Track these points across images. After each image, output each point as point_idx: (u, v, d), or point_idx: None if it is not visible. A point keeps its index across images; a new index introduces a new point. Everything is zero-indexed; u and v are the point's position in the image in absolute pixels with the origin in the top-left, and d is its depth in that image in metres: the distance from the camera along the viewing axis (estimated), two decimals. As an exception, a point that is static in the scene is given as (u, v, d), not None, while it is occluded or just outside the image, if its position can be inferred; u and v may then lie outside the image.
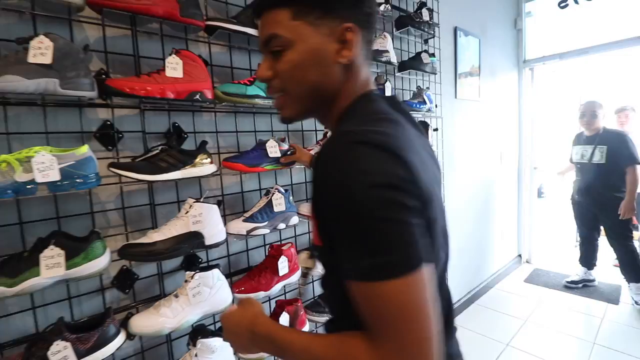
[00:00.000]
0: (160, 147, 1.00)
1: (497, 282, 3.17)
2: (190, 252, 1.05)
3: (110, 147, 1.03)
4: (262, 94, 1.19)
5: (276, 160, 1.22)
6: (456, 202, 2.60)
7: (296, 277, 1.35)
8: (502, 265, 3.32)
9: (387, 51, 1.64)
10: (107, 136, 1.02)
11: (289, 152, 1.27)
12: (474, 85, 2.81)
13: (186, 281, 1.07)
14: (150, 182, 0.97)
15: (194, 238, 1.04)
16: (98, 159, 1.01)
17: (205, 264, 1.23)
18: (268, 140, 1.22)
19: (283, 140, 1.28)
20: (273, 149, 1.20)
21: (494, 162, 3.16)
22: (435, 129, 2.20)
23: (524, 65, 3.46)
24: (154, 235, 1.00)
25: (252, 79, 1.19)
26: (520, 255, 3.63)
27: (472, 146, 2.82)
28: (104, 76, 0.98)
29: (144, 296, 1.12)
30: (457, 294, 2.68)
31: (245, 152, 1.19)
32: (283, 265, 1.27)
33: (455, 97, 2.59)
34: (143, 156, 0.99)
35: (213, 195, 1.24)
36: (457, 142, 2.62)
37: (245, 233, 1.17)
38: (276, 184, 1.40)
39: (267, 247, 1.35)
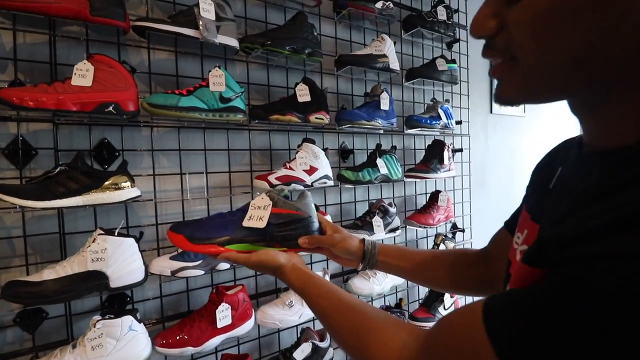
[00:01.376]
0: (59, 168, 0.84)
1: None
2: (87, 296, 0.87)
3: (24, 166, 0.90)
4: (202, 105, 0.99)
5: (259, 234, 0.64)
6: (488, 236, 2.14)
7: (246, 328, 1.10)
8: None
9: (384, 56, 1.35)
10: (17, 153, 0.89)
11: (307, 228, 0.68)
12: (517, 98, 2.35)
13: (90, 328, 0.88)
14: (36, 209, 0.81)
15: (93, 279, 0.85)
16: (7, 178, 0.90)
17: (130, 306, 1.04)
18: (256, 197, 0.67)
19: (286, 196, 0.70)
20: (257, 212, 0.64)
21: (545, 190, 2.60)
22: (459, 150, 1.82)
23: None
24: (45, 273, 0.83)
25: (191, 89, 1.00)
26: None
27: (513, 170, 2.34)
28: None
29: (54, 338, 0.95)
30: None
31: (208, 218, 0.68)
32: (224, 314, 1.03)
33: (491, 111, 2.18)
34: (40, 178, 0.84)
35: (140, 225, 1.05)
36: (492, 166, 2.18)
37: (169, 273, 0.96)
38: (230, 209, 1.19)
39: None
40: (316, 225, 0.68)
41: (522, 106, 2.36)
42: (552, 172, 0.43)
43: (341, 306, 0.50)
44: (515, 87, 0.34)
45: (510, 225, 0.57)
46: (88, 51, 0.94)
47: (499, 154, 2.24)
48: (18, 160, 0.90)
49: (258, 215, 0.64)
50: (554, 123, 2.67)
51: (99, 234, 0.87)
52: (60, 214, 0.94)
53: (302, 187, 1.16)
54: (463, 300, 1.89)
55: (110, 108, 0.87)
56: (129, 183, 0.92)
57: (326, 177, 1.24)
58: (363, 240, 0.69)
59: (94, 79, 0.86)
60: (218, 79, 1.01)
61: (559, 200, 0.37)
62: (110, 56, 0.90)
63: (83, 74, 0.85)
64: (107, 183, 0.88)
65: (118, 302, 1.02)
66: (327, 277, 1.27)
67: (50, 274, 0.83)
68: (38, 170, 0.92)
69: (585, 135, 0.37)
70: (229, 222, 0.65)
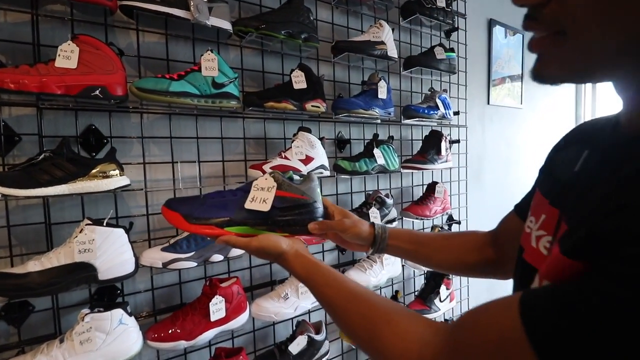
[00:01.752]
0: (43, 155, 0.80)
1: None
2: (75, 289, 0.83)
3: (7, 152, 0.86)
4: (194, 91, 0.95)
5: (262, 217, 0.60)
6: (483, 228, 2.14)
7: (240, 322, 1.07)
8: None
9: (382, 43, 1.32)
10: (-2, 139, 0.85)
11: (312, 214, 0.64)
12: (515, 90, 2.34)
13: (78, 322, 0.85)
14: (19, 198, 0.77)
15: (80, 271, 0.82)
16: (-12, 165, 0.85)
17: (121, 300, 1.01)
18: (260, 178, 0.63)
19: (291, 178, 0.65)
20: (260, 194, 0.60)
21: (540, 183, 2.61)
22: (455, 141, 1.80)
23: (585, 67, 2.86)
24: (29, 265, 0.79)
25: (183, 73, 0.95)
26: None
27: (509, 162, 2.34)
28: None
29: (41, 332, 0.92)
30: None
31: (206, 196, 0.63)
32: (217, 307, 1.01)
33: (488, 102, 2.16)
34: (23, 165, 0.80)
35: (130, 215, 1.01)
36: (488, 157, 2.17)
37: (160, 265, 0.93)
38: (224, 202, 1.15)
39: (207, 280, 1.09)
40: (321, 210, 0.64)
41: (518, 97, 2.35)
42: (576, 154, 0.41)
43: (350, 296, 0.47)
44: (559, 64, 0.31)
45: (521, 209, 0.56)
46: (73, 32, 0.89)
47: (496, 145, 2.23)
48: (0, 146, 0.85)
49: (262, 197, 0.60)
50: (551, 115, 2.67)
51: (86, 224, 0.83)
52: (45, 203, 0.90)
53: (297, 178, 1.13)
54: (459, 293, 1.89)
55: (97, 92, 0.83)
56: (117, 171, 0.89)
57: (322, 167, 1.21)
58: (373, 224, 0.68)
59: (79, 60, 0.81)
60: (210, 63, 0.97)
61: (590, 186, 0.34)
62: (96, 37, 0.85)
63: (68, 56, 0.80)
64: (94, 171, 0.84)
65: (108, 295, 0.99)
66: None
67: (35, 265, 0.79)
68: (22, 158, 0.88)
69: (627, 119, 0.35)
70: (230, 202, 0.61)
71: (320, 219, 0.64)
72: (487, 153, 2.17)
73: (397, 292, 1.56)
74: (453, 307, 1.69)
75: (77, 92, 0.81)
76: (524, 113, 2.44)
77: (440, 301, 1.60)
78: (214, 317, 1.00)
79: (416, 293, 1.67)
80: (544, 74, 0.33)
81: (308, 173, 0.67)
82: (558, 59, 0.31)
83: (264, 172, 1.07)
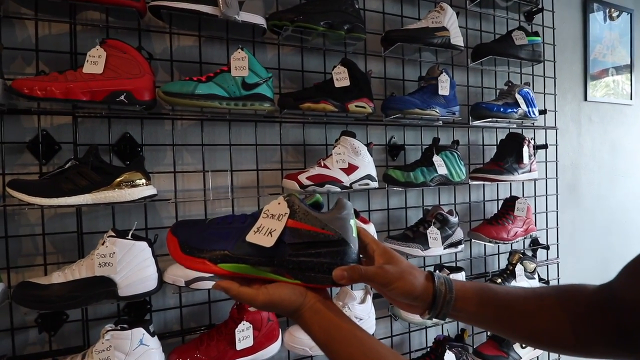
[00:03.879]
0: (70, 163, 0.78)
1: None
2: (95, 304, 0.79)
3: (44, 161, 0.88)
4: (222, 93, 0.87)
5: (266, 255, 0.45)
6: (580, 257, 1.71)
7: (270, 352, 0.94)
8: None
9: (444, 29, 1.11)
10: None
11: (336, 257, 0.45)
12: (622, 83, 1.87)
13: (99, 339, 0.80)
14: (45, 207, 0.75)
15: (99, 286, 0.77)
16: (31, 173, 0.87)
17: (148, 316, 0.95)
18: (272, 202, 0.47)
19: (317, 205, 0.50)
20: (268, 223, 0.45)
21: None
22: (543, 146, 1.46)
23: None
24: (54, 276, 0.77)
25: (212, 75, 0.88)
26: None
27: (615, 172, 1.86)
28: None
29: (73, 342, 0.91)
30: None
31: (213, 220, 0.50)
32: (244, 335, 0.89)
33: (585, 99, 1.75)
34: (51, 173, 0.78)
35: (160, 227, 0.96)
36: (586, 166, 1.75)
37: (183, 284, 0.85)
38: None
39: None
40: (353, 253, 0.45)
41: (628, 91, 1.87)
42: None
43: None
44: None
45: None
46: (108, 37, 0.88)
47: (597, 152, 1.79)
48: (39, 155, 0.87)
49: (268, 228, 0.45)
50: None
51: (109, 236, 0.79)
52: (78, 211, 0.89)
53: (338, 189, 0.98)
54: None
55: (122, 97, 0.79)
56: (143, 180, 0.83)
57: (369, 177, 1.03)
58: (431, 276, 0.47)
59: (106, 65, 0.78)
60: (240, 62, 0.88)
61: None
62: (126, 42, 0.82)
63: (95, 61, 0.78)
64: (118, 180, 0.80)
65: (136, 310, 0.94)
66: (369, 297, 1.07)
67: (59, 277, 0.77)
68: (61, 166, 0.88)
69: None
70: (233, 231, 0.47)
71: (353, 263, 0.45)
72: (584, 161, 1.74)
73: (463, 330, 1.28)
74: (538, 355, 1.34)
75: (102, 97, 0.78)
76: (634, 111, 1.93)
77: (522, 347, 1.28)
78: (240, 346, 0.88)
79: (489, 334, 1.36)
80: None
81: (339, 199, 0.48)
82: None
83: (299, 183, 0.94)
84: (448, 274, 1.18)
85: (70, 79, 0.76)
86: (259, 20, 0.91)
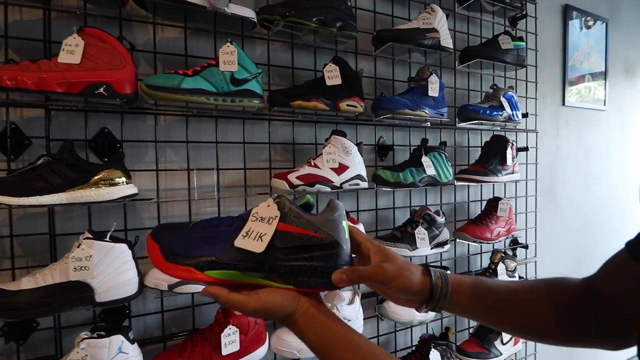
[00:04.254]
0: (42, 159, 0.72)
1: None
2: (69, 310, 0.74)
3: (12, 157, 0.81)
4: (210, 88, 0.83)
5: (255, 261, 0.42)
6: (556, 256, 1.78)
7: (257, 357, 0.92)
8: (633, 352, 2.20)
9: (434, 30, 1.11)
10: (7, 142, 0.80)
11: (329, 260, 0.43)
12: (597, 89, 1.95)
13: (74, 348, 0.75)
14: (16, 207, 0.69)
15: (75, 291, 0.72)
16: (-2, 170, 0.80)
17: (127, 322, 0.90)
18: (261, 204, 0.45)
19: (307, 206, 0.48)
20: (257, 227, 0.43)
21: (627, 201, 2.15)
22: (524, 149, 1.50)
23: (690, 60, 2.34)
24: (23, 281, 0.71)
25: (198, 68, 0.84)
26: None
27: (589, 174, 1.94)
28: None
29: (43, 352, 0.84)
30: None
31: (197, 223, 0.47)
32: (230, 339, 0.86)
33: (563, 103, 1.81)
34: (22, 170, 0.72)
35: (141, 228, 0.91)
36: (563, 168, 1.82)
37: (166, 288, 0.81)
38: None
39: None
40: (346, 255, 0.44)
41: (602, 97, 1.96)
42: None
43: None
44: None
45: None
46: (86, 25, 0.82)
47: (572, 154, 1.86)
48: (6, 150, 0.80)
49: (258, 232, 0.43)
50: (631, 116, 2.20)
51: (85, 238, 0.74)
52: (50, 212, 0.83)
53: (328, 189, 0.96)
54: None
55: (101, 89, 0.74)
56: (123, 179, 0.78)
57: (359, 177, 1.02)
58: (428, 270, 0.47)
59: (83, 55, 0.73)
60: (229, 57, 0.84)
61: None
62: (106, 31, 0.77)
63: (72, 50, 0.72)
64: (96, 178, 0.75)
65: (114, 316, 0.89)
66: (357, 298, 1.06)
67: (29, 282, 0.71)
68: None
69: None
70: (220, 235, 0.44)
71: (346, 266, 0.44)
72: (561, 164, 1.81)
73: (447, 329, 1.30)
74: (517, 351, 1.38)
75: (79, 89, 0.72)
76: (607, 116, 2.03)
77: (503, 343, 1.31)
78: (226, 351, 0.85)
79: (471, 330, 1.39)
80: None
81: (331, 200, 0.47)
82: None
83: (288, 182, 0.92)
84: (434, 274, 1.19)
85: (44, 68, 0.70)
86: (249, 13, 0.88)
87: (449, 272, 1.19)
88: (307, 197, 0.47)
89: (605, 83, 1.97)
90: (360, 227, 1.03)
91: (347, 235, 0.44)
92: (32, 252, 0.84)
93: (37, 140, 0.82)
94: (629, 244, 0.40)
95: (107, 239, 0.76)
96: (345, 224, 0.45)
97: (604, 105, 1.99)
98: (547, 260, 1.69)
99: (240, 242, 0.42)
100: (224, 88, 0.85)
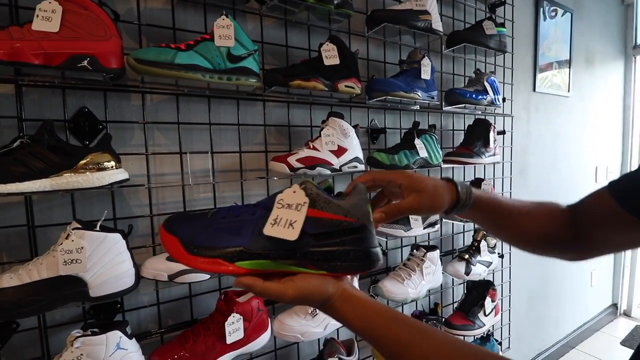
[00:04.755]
0: (19, 141, 0.64)
1: (582, 341, 2.35)
2: (61, 308, 0.68)
3: (-24, 140, 0.71)
4: (206, 64, 0.77)
5: (288, 249, 0.42)
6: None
7: (261, 343, 0.90)
8: (588, 317, 2.47)
9: (426, 13, 1.11)
10: (-30, 123, 0.69)
11: (361, 243, 0.44)
12: (562, 76, 2.08)
13: (67, 347, 0.69)
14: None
15: (67, 287, 0.66)
16: (-41, 155, 0.69)
17: (121, 317, 0.85)
18: (286, 190, 0.44)
19: (330, 190, 0.60)
20: (286, 214, 0.42)
21: (586, 180, 2.35)
22: (502, 132, 1.57)
23: (635, 52, 2.57)
24: (4, 279, 0.64)
25: (192, 43, 0.78)
26: (615, 305, 2.71)
27: (555, 157, 2.09)
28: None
29: (27, 354, 0.77)
30: (525, 354, 1.98)
31: (216, 212, 0.46)
32: (234, 327, 0.84)
33: (534, 89, 1.92)
34: (-6, 154, 0.64)
35: (130, 217, 0.85)
36: (533, 151, 1.93)
37: (166, 279, 0.76)
38: (241, 199, 0.98)
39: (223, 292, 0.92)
40: (374, 238, 0.44)
41: (566, 84, 2.10)
42: None
43: (416, 330, 0.41)
44: None
45: (621, 192, 0.48)
46: (58, -9, 0.72)
47: (541, 137, 1.99)
48: (-28, 132, 0.70)
49: (288, 220, 0.42)
50: (599, 104, 2.39)
51: (74, 228, 0.67)
52: (27, 201, 0.74)
53: (328, 172, 0.95)
54: (506, 303, 1.68)
55: (85, 62, 0.66)
56: (113, 163, 0.72)
57: (356, 159, 1.02)
58: (455, 187, 0.52)
59: (62, 23, 0.64)
60: (225, 31, 0.79)
61: None
62: (85, -4, 0.68)
63: (48, 17, 0.63)
64: (82, 162, 0.68)
65: (105, 311, 0.83)
66: (355, 279, 1.07)
67: (11, 279, 0.63)
68: (-1, 146, 0.72)
69: None
70: (245, 224, 0.43)
71: (375, 251, 0.44)
72: (532, 146, 1.93)
73: (436, 304, 1.36)
74: (497, 322, 1.48)
75: (60, 62, 0.64)
76: (571, 102, 2.18)
77: (485, 315, 1.40)
78: (230, 339, 0.83)
79: (456, 304, 1.47)
80: None
81: (356, 183, 0.47)
82: None
83: (289, 165, 0.89)
84: (425, 253, 1.24)
85: (17, 36, 0.61)
86: (245, -15, 0.82)
87: (436, 252, 1.25)
88: (329, 181, 0.47)
89: (569, 71, 2.10)
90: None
91: (372, 218, 0.44)
92: (6, 246, 0.75)
93: (5, 120, 0.73)
94: (612, 184, 0.49)
95: (97, 228, 0.70)
96: (369, 206, 0.45)
97: (568, 92, 2.13)
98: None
99: (270, 230, 0.42)
100: (220, 65, 0.79)
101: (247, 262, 0.41)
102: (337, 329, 1.11)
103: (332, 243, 0.42)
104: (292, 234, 0.41)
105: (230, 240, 0.42)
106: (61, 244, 0.66)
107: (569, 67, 2.10)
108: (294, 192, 0.43)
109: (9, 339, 0.75)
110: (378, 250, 0.44)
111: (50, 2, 0.64)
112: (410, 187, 0.48)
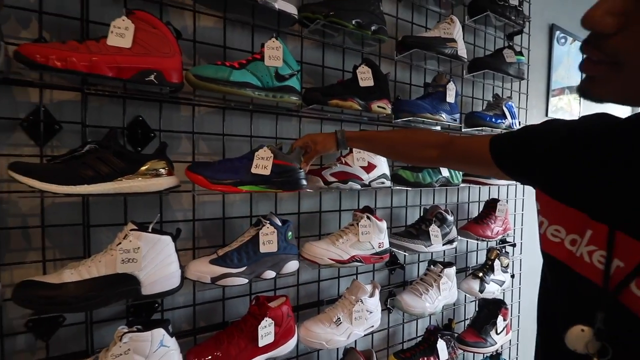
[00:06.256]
0: (88, 146, 0.69)
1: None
2: (114, 304, 0.71)
3: (45, 142, 0.76)
4: (256, 82, 0.83)
5: (264, 180, 0.82)
6: (533, 251, 1.94)
7: (288, 348, 0.94)
8: None
9: (453, 40, 1.18)
10: (38, 126, 0.75)
11: (295, 154, 0.87)
12: (574, 103, 2.15)
13: (115, 342, 0.73)
14: (61, 195, 0.66)
15: (123, 284, 0.70)
16: (25, 155, 0.75)
17: (159, 315, 0.89)
18: (260, 147, 0.83)
19: (280, 148, 0.87)
20: (262, 162, 0.82)
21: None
22: (515, 154, 1.63)
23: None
24: (65, 274, 0.68)
25: (244, 62, 0.84)
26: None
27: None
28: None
29: (71, 348, 0.81)
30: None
31: (219, 162, 0.82)
32: (266, 331, 0.87)
33: (546, 114, 1.98)
34: (64, 157, 0.69)
35: (173, 220, 0.90)
36: (544, 174, 1.98)
37: (209, 281, 0.80)
38: (274, 211, 1.03)
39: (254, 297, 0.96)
40: (302, 173, 0.87)
41: (576, 108, 2.16)
42: (618, 158, 0.42)
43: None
44: (612, 89, 0.34)
45: (503, 157, 0.60)
46: (126, 8, 0.79)
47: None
48: (39, 134, 0.75)
49: (263, 165, 0.81)
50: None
51: (131, 229, 0.71)
52: (85, 202, 0.79)
53: (359, 187, 1.00)
54: (515, 323, 1.71)
55: (152, 77, 0.72)
56: (165, 170, 0.77)
57: (384, 176, 1.07)
58: (335, 136, 0.88)
59: (134, 39, 0.70)
60: (275, 52, 0.85)
61: None
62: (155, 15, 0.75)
63: (121, 33, 0.70)
64: (143, 168, 0.73)
65: (145, 309, 0.87)
66: (377, 291, 1.11)
67: (72, 275, 0.68)
68: (61, 149, 0.78)
69: None
70: (240, 167, 0.80)
71: (303, 181, 0.87)
72: (542, 169, 1.98)
73: (450, 320, 1.39)
74: (510, 339, 1.51)
75: (130, 75, 0.70)
76: (580, 127, 2.24)
77: (497, 333, 1.43)
78: (262, 343, 0.86)
79: (468, 321, 1.50)
80: (593, 93, 0.35)
81: (292, 145, 0.89)
82: (611, 86, 0.34)
83: (323, 179, 0.95)
84: (442, 269, 1.27)
85: (94, 50, 0.67)
86: (292, 9, 0.89)
87: (452, 269, 1.29)
88: (281, 144, 0.87)
89: (580, 97, 2.17)
90: (384, 224, 1.08)
91: (301, 164, 0.88)
92: (59, 243, 0.79)
93: (68, 125, 0.78)
94: (493, 142, 0.61)
95: (150, 230, 0.75)
96: (301, 157, 0.88)
97: (578, 117, 2.19)
98: (530, 257, 1.85)
99: (254, 170, 0.80)
100: (269, 83, 0.85)
101: (244, 186, 0.79)
102: (355, 340, 1.14)
103: (285, 176, 0.83)
104: (266, 172, 0.81)
105: (234, 175, 0.78)
106: (119, 243, 0.70)
107: (580, 94, 2.17)
108: (264, 150, 0.81)
109: (55, 332, 0.79)
110: (303, 180, 0.87)
111: (124, 20, 0.70)
112: (314, 141, 0.87)
